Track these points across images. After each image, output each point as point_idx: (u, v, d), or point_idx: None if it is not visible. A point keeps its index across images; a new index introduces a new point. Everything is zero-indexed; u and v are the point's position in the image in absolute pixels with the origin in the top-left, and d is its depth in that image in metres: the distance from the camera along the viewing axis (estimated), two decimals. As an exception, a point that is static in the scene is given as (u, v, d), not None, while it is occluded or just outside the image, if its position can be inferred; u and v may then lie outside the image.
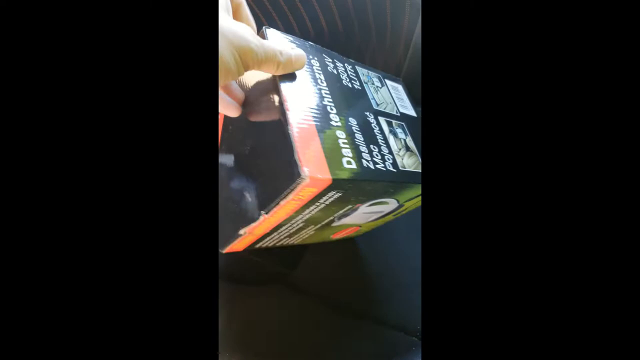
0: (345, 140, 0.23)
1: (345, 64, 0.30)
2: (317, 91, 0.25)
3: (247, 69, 0.19)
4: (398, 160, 0.26)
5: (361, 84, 0.29)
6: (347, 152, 0.23)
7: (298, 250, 0.39)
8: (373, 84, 0.31)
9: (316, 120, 0.23)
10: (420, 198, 0.30)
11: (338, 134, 0.23)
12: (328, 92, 0.25)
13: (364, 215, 0.30)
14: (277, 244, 0.31)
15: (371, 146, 0.25)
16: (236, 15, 0.23)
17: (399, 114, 0.31)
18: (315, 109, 0.23)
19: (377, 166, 0.24)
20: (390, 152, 0.26)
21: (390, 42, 0.46)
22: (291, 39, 0.27)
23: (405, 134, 0.29)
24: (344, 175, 0.21)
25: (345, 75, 0.29)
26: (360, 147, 0.24)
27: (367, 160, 0.24)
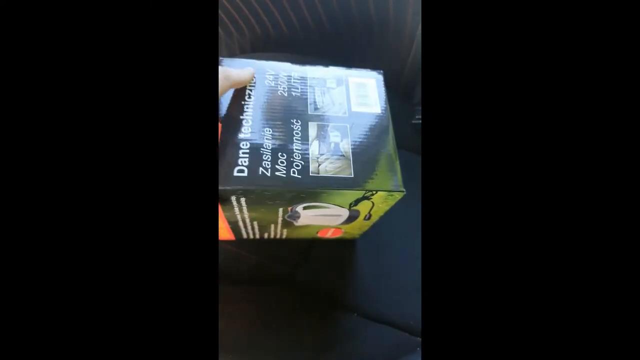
0: (247, 151, 0.26)
1: (292, 73, 0.32)
2: (239, 106, 0.29)
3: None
4: (312, 166, 0.28)
5: (303, 91, 0.31)
6: (243, 161, 0.26)
7: (300, 250, 0.38)
8: (325, 86, 0.32)
9: (225, 134, 0.27)
10: (388, 201, 0.30)
11: (242, 144, 0.27)
12: (250, 105, 0.29)
13: (314, 217, 0.31)
14: (264, 237, 0.35)
15: (278, 154, 0.27)
16: None
17: (345, 115, 0.31)
18: (229, 123, 0.28)
19: (277, 173, 0.26)
20: (304, 159, 0.27)
21: (393, 38, 0.45)
22: (244, 61, 0.32)
23: (344, 137, 0.30)
24: (230, 185, 0.25)
25: (285, 85, 0.31)
26: (263, 156, 0.27)
27: (265, 168, 0.26)
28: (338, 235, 0.37)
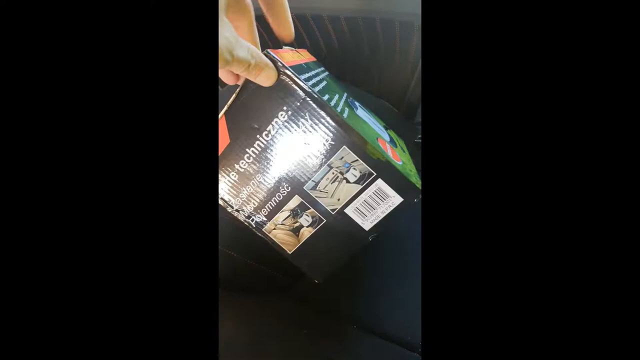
0: (231, 181, 0.29)
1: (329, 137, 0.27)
2: (252, 132, 0.27)
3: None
4: (269, 225, 0.30)
5: (322, 162, 0.27)
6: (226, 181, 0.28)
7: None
8: (344, 172, 0.28)
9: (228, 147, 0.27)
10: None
11: (232, 174, 0.28)
12: (263, 142, 0.27)
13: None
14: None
15: (251, 201, 0.29)
16: (241, 19, 0.24)
17: (331, 212, 0.29)
18: (237, 137, 0.27)
19: (240, 211, 0.30)
20: (269, 217, 0.30)
21: (399, 63, 0.47)
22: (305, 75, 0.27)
23: (309, 226, 0.29)
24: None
25: (313, 149, 0.27)
26: (240, 193, 0.29)
27: (237, 203, 0.29)
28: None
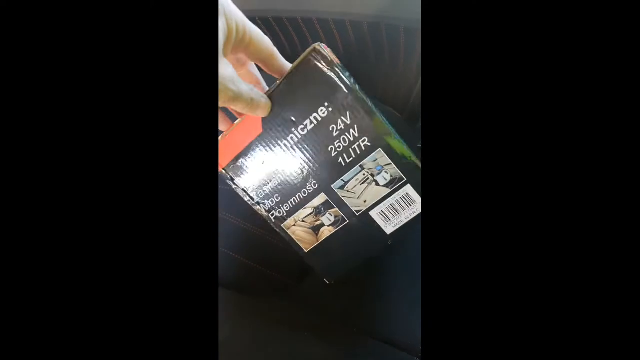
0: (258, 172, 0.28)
1: (368, 136, 0.26)
2: (289, 121, 0.26)
3: (220, 104, 0.22)
4: (288, 222, 0.30)
5: (353, 162, 0.27)
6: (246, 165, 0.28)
7: (303, 263, 0.39)
8: (375, 174, 0.27)
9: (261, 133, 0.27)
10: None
11: (263, 162, 0.28)
12: (298, 134, 0.26)
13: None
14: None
15: (275, 195, 0.29)
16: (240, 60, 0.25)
17: (356, 214, 0.28)
18: (273, 124, 0.26)
19: (258, 205, 0.29)
20: (291, 213, 0.29)
21: (403, 69, 0.48)
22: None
23: (331, 225, 0.29)
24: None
25: (342, 144, 0.26)
26: (264, 186, 0.28)
27: (259, 195, 0.29)
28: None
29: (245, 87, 0.23)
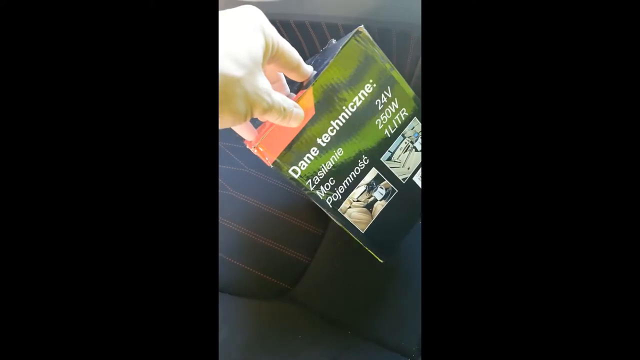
0: (313, 156, 0.27)
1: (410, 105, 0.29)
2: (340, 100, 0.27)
3: (252, 116, 0.23)
4: (344, 205, 0.29)
5: (397, 132, 0.29)
6: (306, 159, 0.27)
7: (300, 266, 0.39)
8: (415, 141, 0.30)
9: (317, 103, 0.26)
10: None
11: (312, 149, 0.27)
12: (349, 112, 0.27)
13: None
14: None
15: (329, 179, 0.28)
16: (276, 65, 0.26)
17: (402, 182, 0.30)
18: (326, 97, 0.27)
19: (317, 191, 0.28)
20: (346, 194, 0.29)
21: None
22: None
23: (383, 199, 0.30)
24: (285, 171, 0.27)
25: (387, 116, 0.29)
26: (319, 172, 0.27)
27: (314, 183, 0.28)
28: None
29: (278, 98, 0.23)
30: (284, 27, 0.48)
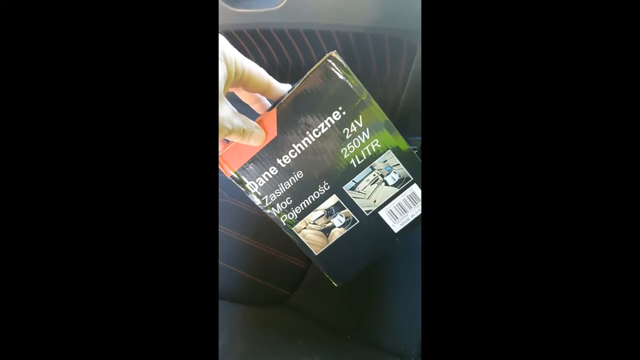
0: (271, 175, 0.28)
1: (378, 140, 0.28)
2: (302, 126, 0.27)
3: (220, 137, 0.24)
4: (299, 224, 0.29)
5: (364, 164, 0.28)
6: (260, 178, 0.28)
7: (298, 272, 0.39)
8: (385, 175, 0.29)
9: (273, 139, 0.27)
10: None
11: (270, 169, 0.28)
12: (310, 137, 0.27)
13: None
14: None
15: (286, 198, 0.28)
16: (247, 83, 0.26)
17: (365, 214, 0.29)
18: (286, 127, 0.27)
19: (271, 209, 0.29)
20: (302, 215, 0.29)
21: (390, 76, 0.49)
22: None
23: (342, 226, 0.29)
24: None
25: (355, 146, 0.28)
26: (275, 190, 0.28)
27: (269, 200, 0.28)
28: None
29: (238, 122, 0.24)
30: (279, 35, 0.49)
